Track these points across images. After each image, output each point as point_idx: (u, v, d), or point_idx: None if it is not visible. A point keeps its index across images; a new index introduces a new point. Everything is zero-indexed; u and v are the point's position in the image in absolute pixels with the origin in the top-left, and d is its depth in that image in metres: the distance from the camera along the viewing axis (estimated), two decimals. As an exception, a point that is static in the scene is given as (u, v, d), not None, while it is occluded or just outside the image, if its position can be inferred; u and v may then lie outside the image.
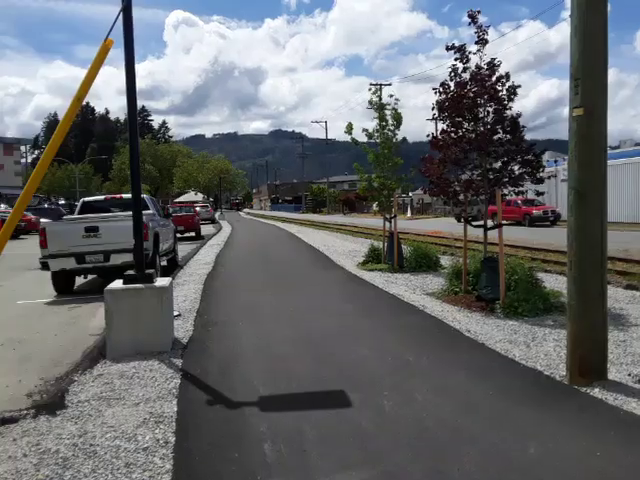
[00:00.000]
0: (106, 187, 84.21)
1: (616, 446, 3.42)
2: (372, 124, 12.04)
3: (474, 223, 8.21)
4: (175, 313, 7.27)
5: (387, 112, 11.80)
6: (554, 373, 4.81)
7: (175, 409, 4.25)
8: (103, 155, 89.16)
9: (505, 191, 8.00)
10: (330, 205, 71.66)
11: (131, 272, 6.21)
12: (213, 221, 44.31)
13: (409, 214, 49.21)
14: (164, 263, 12.87)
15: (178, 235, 17.88)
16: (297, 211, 77.51)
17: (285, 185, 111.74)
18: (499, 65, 7.66)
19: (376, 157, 11.90)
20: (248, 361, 5.51)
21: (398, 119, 11.82)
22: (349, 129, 12.26)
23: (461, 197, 8.37)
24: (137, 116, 6.32)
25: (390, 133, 11.83)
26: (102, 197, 14.01)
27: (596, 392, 4.30)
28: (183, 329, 6.87)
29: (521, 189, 7.99)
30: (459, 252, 12.41)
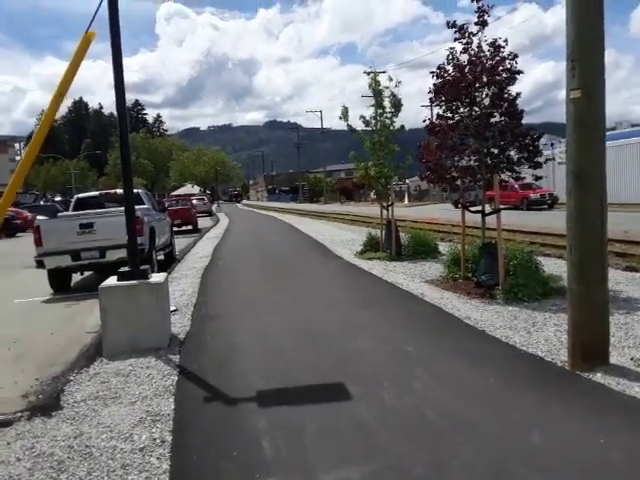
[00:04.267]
0: (102, 182, 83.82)
1: (620, 432, 3.36)
2: (367, 112, 11.85)
3: (472, 209, 8.13)
4: (172, 308, 7.20)
5: (385, 98, 11.59)
6: (555, 359, 4.75)
7: (172, 407, 4.18)
8: (98, 150, 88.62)
9: (503, 176, 7.89)
10: (327, 194, 71.43)
11: (125, 268, 6.13)
12: (210, 214, 44.13)
13: (406, 201, 49.10)
14: (161, 257, 12.79)
15: (175, 229, 17.78)
16: (294, 201, 77.29)
17: (281, 175, 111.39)
18: (502, 47, 7.43)
19: (372, 145, 11.74)
20: (246, 356, 5.45)
21: (397, 105, 11.55)
22: (344, 114, 12.07)
23: (459, 183, 8.27)
24: (126, 109, 6.16)
25: (388, 120, 11.63)
26: (96, 193, 13.88)
27: (598, 377, 4.24)
28: (180, 324, 6.80)
29: (519, 175, 7.89)
30: (457, 238, 12.33)
